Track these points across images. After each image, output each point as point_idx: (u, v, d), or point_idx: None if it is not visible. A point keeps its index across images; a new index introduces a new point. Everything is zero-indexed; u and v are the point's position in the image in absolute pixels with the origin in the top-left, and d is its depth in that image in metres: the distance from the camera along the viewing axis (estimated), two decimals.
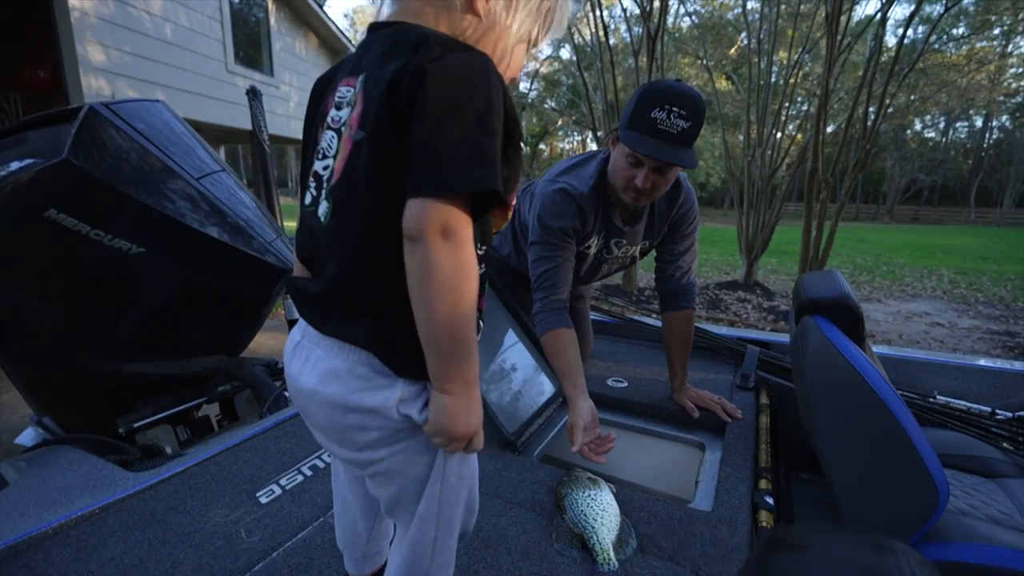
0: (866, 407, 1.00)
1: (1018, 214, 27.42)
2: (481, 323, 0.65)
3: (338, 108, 0.57)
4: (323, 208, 0.57)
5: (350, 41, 8.52)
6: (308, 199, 0.61)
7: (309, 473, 1.15)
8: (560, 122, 20.17)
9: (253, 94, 2.15)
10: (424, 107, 0.47)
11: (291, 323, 2.30)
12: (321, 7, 7.64)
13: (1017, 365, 1.63)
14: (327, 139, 0.57)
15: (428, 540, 0.62)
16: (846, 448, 1.05)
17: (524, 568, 0.87)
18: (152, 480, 1.09)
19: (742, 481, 1.13)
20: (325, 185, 0.57)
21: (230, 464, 1.18)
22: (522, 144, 0.58)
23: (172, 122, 1.56)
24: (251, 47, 6.83)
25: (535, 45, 0.63)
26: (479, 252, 0.59)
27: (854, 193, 30.35)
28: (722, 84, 10.94)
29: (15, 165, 1.23)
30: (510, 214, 0.66)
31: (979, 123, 29.49)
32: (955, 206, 30.89)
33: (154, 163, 1.41)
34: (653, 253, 1.58)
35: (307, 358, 0.60)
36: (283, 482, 1.11)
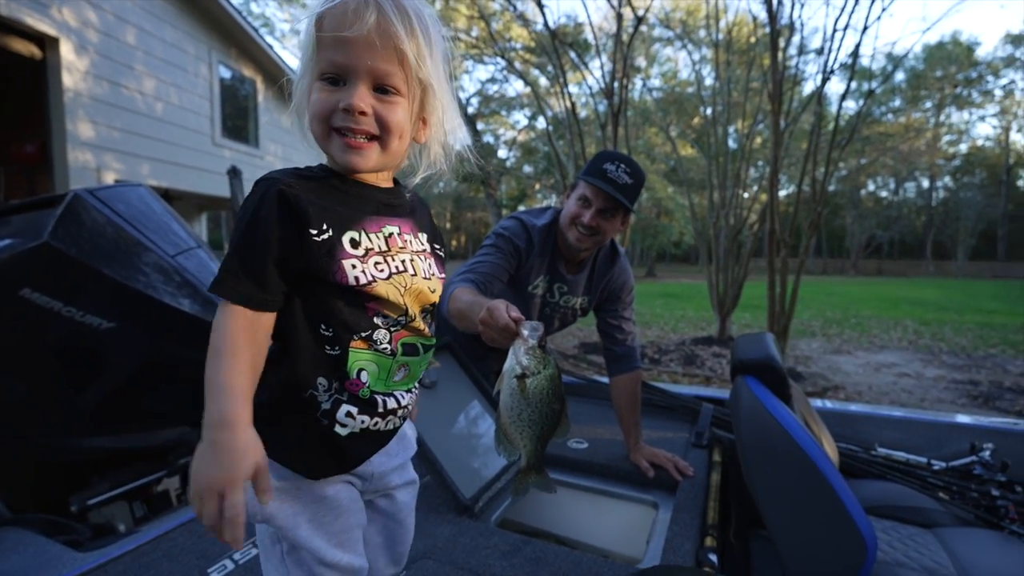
0: (793, 463, 1.07)
1: (971, 267, 29.33)
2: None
3: None
4: None
5: None
6: None
7: None
8: (537, 186, 21.09)
9: (234, 173, 2.29)
10: None
11: None
12: None
13: (950, 417, 1.73)
14: None
15: None
16: (780, 503, 1.11)
17: None
18: (101, 560, 1.08)
19: (688, 539, 1.17)
20: None
21: (183, 540, 1.17)
22: (312, 231, 0.62)
23: (152, 203, 1.66)
24: (237, 121, 7.16)
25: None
26: (326, 334, 0.66)
27: (819, 248, 31.89)
28: (688, 151, 11.75)
29: None
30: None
31: (925, 183, 31.76)
32: (914, 259, 32.57)
33: (130, 241, 1.50)
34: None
35: None
36: (236, 556, 1.11)
